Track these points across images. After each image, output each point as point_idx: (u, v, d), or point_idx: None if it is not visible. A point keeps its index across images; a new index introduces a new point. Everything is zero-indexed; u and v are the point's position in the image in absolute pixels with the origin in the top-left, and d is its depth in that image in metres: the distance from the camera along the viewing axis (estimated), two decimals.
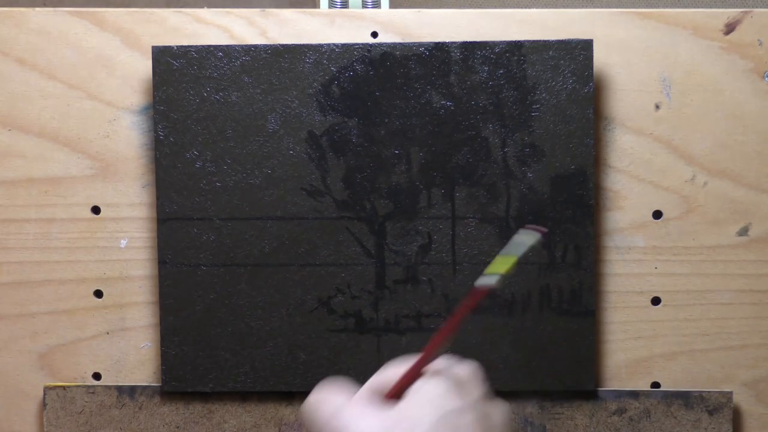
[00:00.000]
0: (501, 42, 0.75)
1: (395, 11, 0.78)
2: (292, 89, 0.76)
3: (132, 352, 0.79)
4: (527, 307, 0.76)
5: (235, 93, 0.76)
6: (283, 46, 0.76)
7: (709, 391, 0.76)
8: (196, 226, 0.77)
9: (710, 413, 0.76)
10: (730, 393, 0.76)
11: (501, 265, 0.60)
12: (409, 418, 0.57)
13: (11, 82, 0.79)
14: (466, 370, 0.62)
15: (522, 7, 0.77)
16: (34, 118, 0.79)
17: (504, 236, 0.76)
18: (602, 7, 0.77)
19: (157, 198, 0.77)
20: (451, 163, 0.76)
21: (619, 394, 0.77)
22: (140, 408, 0.78)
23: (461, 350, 0.76)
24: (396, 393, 0.60)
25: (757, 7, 0.76)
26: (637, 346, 0.78)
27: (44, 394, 0.79)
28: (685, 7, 0.76)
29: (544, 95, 0.75)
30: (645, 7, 0.76)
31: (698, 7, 0.76)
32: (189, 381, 0.77)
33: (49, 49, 0.78)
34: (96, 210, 0.79)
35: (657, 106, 0.77)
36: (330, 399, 0.60)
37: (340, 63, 0.76)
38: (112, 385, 0.79)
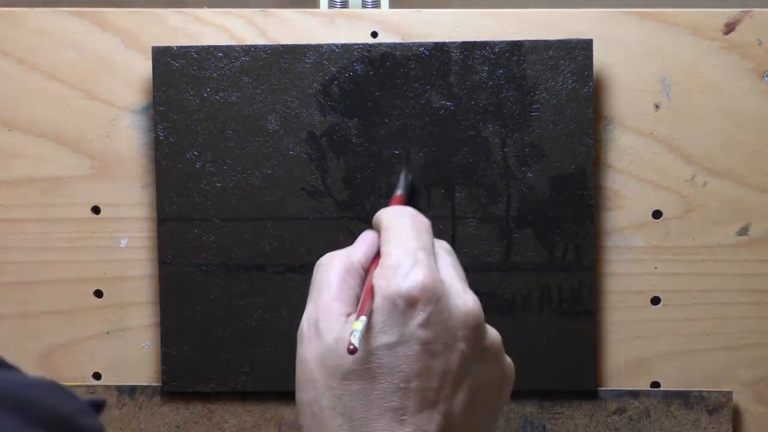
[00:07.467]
0: (501, 42, 0.75)
1: (395, 11, 0.78)
2: (292, 89, 0.76)
3: (132, 352, 0.79)
4: (527, 307, 0.76)
5: (235, 93, 0.76)
6: (283, 46, 0.76)
7: (709, 391, 0.76)
8: (196, 226, 0.77)
9: (710, 413, 0.76)
10: (730, 393, 0.76)
11: None
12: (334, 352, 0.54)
13: (11, 82, 0.79)
14: (417, 281, 0.53)
15: (522, 7, 0.77)
16: (34, 118, 0.79)
17: (504, 236, 0.75)
18: (602, 7, 0.77)
19: (157, 198, 0.77)
20: (451, 163, 0.76)
21: (619, 394, 0.77)
22: (140, 408, 0.78)
23: None
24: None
25: (757, 7, 0.76)
26: (637, 346, 0.77)
27: None
28: (685, 7, 0.76)
29: (543, 95, 0.75)
30: (645, 7, 0.76)
31: (698, 7, 0.76)
32: (189, 381, 0.77)
33: (49, 49, 0.78)
34: (96, 210, 0.79)
35: (657, 106, 0.77)
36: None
37: (339, 63, 0.76)
38: (112, 385, 0.79)
